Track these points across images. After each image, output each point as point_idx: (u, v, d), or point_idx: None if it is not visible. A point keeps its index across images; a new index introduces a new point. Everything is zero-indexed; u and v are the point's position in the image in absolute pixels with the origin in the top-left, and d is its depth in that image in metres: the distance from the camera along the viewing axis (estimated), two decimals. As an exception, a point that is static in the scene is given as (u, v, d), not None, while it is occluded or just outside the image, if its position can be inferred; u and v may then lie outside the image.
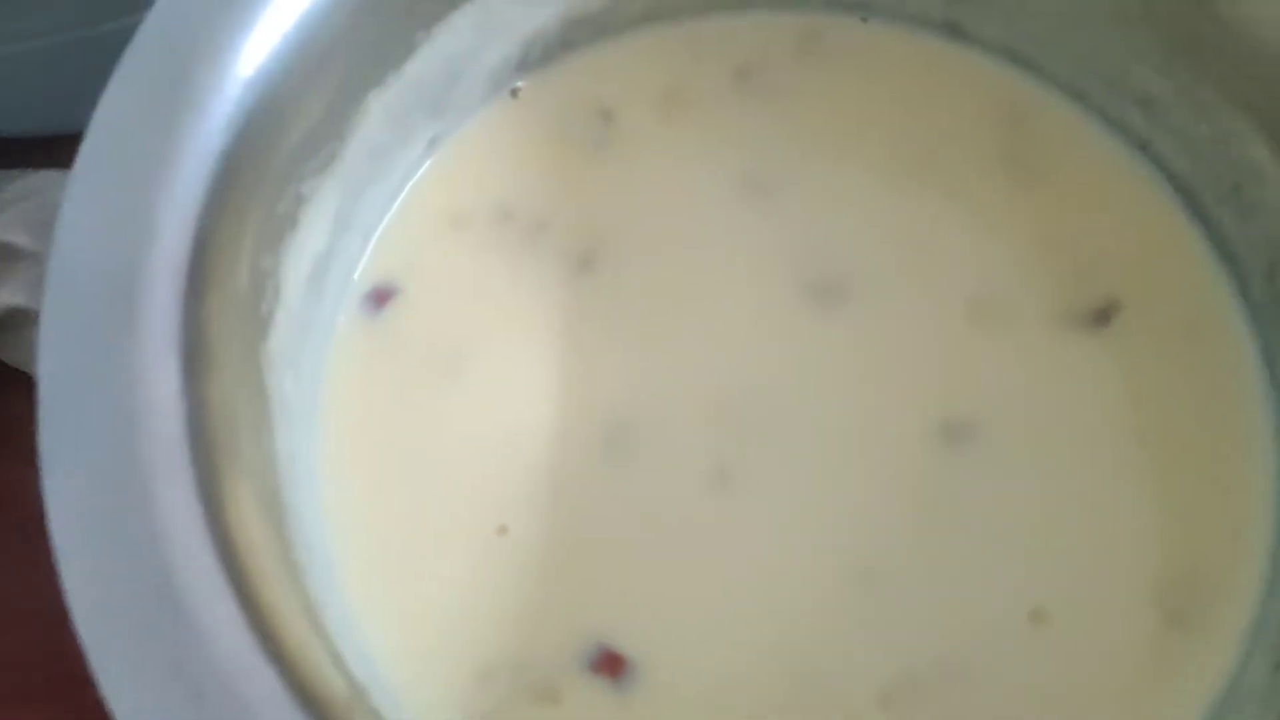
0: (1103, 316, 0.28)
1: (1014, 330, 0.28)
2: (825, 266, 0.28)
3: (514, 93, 0.29)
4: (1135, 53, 0.28)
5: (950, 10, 0.30)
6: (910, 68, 0.30)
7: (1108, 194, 0.29)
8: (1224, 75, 0.27)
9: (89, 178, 0.20)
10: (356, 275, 0.28)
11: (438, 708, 0.25)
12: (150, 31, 0.21)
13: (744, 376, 0.27)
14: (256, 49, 0.21)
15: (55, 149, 0.24)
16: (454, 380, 0.27)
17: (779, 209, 0.29)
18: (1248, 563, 0.26)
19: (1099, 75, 0.29)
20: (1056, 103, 0.30)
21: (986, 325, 0.28)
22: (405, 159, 0.28)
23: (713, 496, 0.26)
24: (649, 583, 0.26)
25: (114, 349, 0.19)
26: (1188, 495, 0.27)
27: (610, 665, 0.25)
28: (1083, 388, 0.28)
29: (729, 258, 0.28)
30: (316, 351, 0.26)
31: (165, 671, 0.17)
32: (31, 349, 0.31)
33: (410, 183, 0.28)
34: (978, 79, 0.30)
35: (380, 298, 0.28)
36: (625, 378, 0.27)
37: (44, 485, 0.18)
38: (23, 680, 0.29)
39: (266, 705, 0.17)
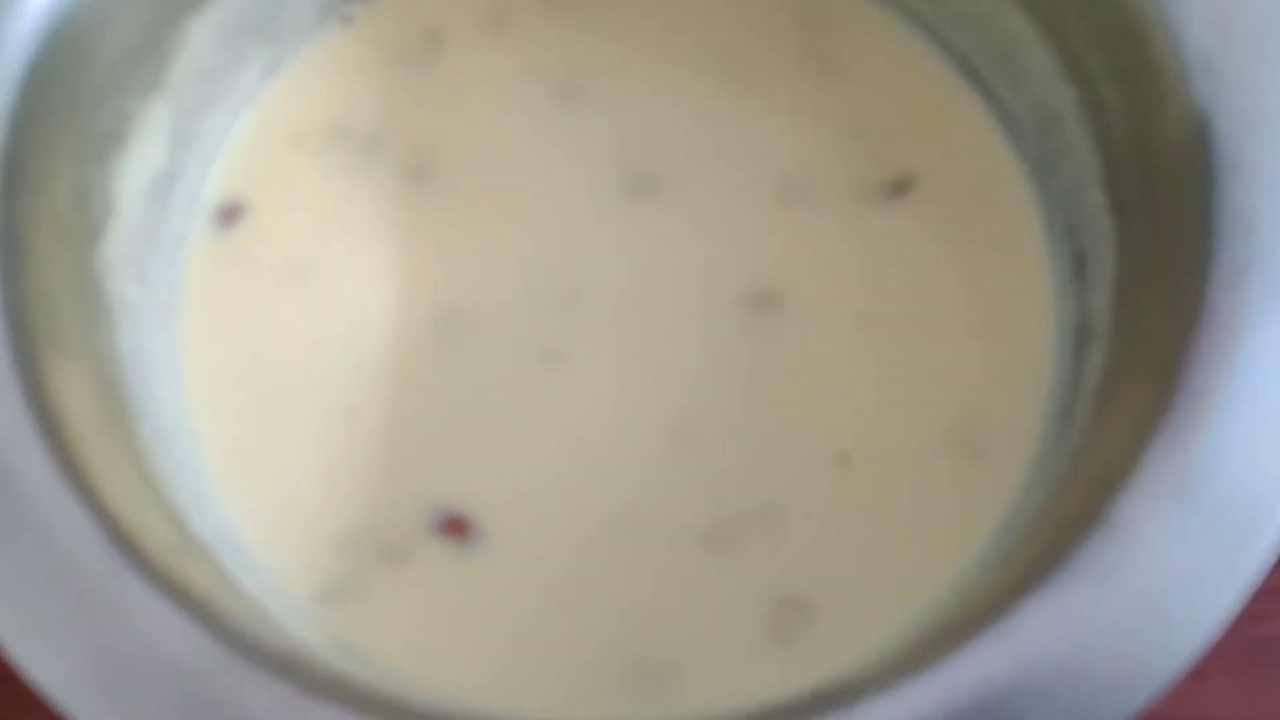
0: (900, 188, 0.30)
1: (818, 207, 0.29)
2: (640, 162, 0.30)
3: (346, 19, 0.31)
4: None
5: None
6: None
7: (901, 76, 0.30)
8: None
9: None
10: (204, 193, 0.29)
11: (298, 573, 0.26)
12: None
13: (567, 265, 0.29)
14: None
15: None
16: (303, 286, 0.29)
17: (595, 112, 0.30)
18: (1030, 404, 0.28)
19: (885, -34, 0.30)
20: (851, -3, 0.31)
21: (792, 204, 0.29)
22: (241, 81, 0.29)
23: (542, 372, 0.28)
24: (487, 452, 0.28)
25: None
26: (979, 345, 0.28)
27: (455, 527, 0.27)
28: (883, 255, 0.29)
29: (551, 160, 0.30)
30: (167, 262, 0.28)
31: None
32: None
33: (250, 105, 0.30)
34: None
35: (229, 214, 0.29)
36: (457, 272, 0.29)
37: None
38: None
39: (78, 542, 0.19)
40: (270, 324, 0.29)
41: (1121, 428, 0.22)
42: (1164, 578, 0.20)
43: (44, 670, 0.18)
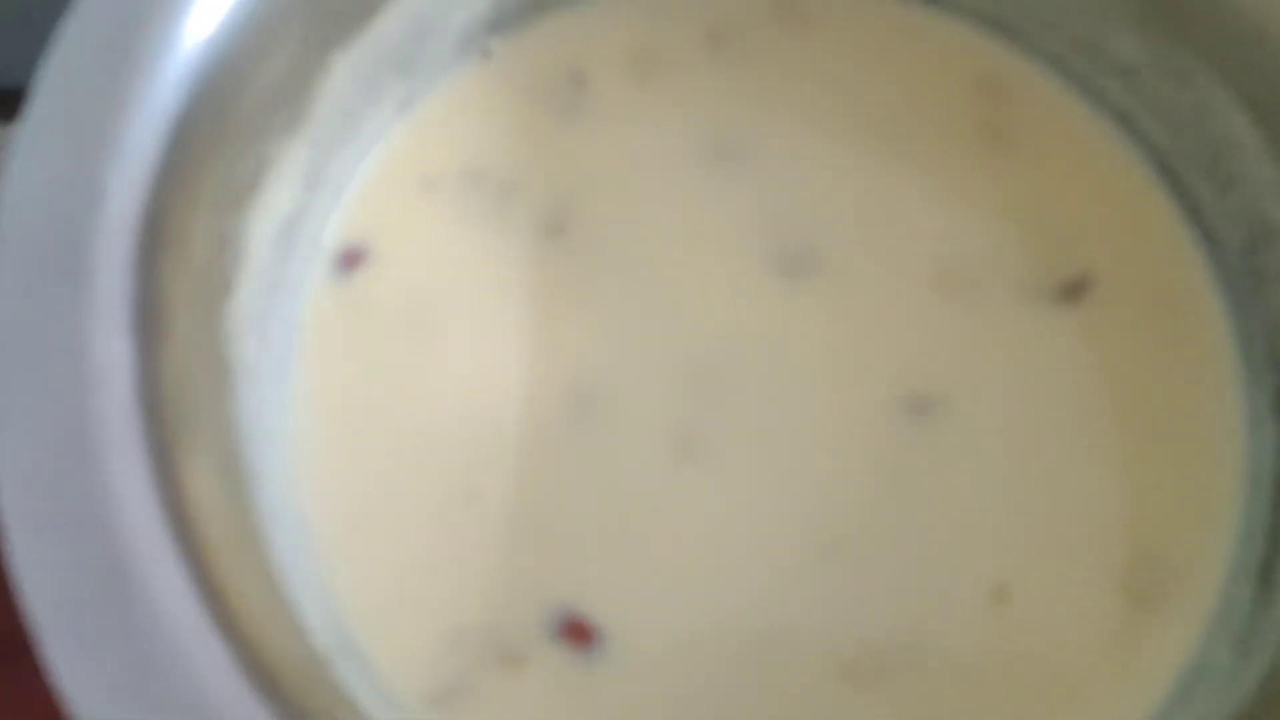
0: (1074, 290, 0.28)
1: (983, 302, 0.27)
2: (794, 235, 0.28)
3: (485, 53, 0.29)
4: (1115, 20, 0.27)
5: (929, -26, 0.29)
6: (885, 33, 0.29)
7: (1084, 165, 0.29)
8: (1203, 44, 0.26)
9: (36, 139, 0.19)
10: (326, 236, 0.27)
11: (405, 668, 0.25)
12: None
13: (710, 344, 0.27)
14: (210, 6, 0.21)
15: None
16: (424, 343, 0.27)
17: (748, 176, 0.28)
18: (1214, 545, 0.26)
19: (1077, 43, 0.28)
20: (1033, 71, 0.29)
21: (955, 297, 0.28)
22: (375, 119, 0.27)
23: (678, 464, 0.26)
24: (615, 549, 0.26)
25: (63, 312, 0.18)
26: (1156, 475, 0.26)
27: (576, 633, 0.25)
28: (1052, 363, 0.27)
29: (697, 224, 0.28)
30: (285, 313, 0.26)
31: (110, 640, 0.17)
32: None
33: (380, 143, 0.28)
34: (953, 45, 0.29)
35: (350, 259, 0.27)
36: (592, 343, 0.27)
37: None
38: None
39: (214, 674, 0.17)
40: (387, 383, 0.27)
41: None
42: None
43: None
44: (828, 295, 0.27)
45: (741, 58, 0.29)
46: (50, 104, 0.19)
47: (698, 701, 0.25)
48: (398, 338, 0.27)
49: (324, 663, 0.21)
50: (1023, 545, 0.26)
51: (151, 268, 0.20)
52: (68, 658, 0.17)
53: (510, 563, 0.25)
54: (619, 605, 0.25)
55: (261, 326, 0.24)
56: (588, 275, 0.28)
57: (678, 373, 0.27)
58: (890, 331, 0.27)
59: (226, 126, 0.21)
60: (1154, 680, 0.25)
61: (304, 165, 0.25)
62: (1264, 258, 0.26)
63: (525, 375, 0.27)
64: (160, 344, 0.19)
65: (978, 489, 0.26)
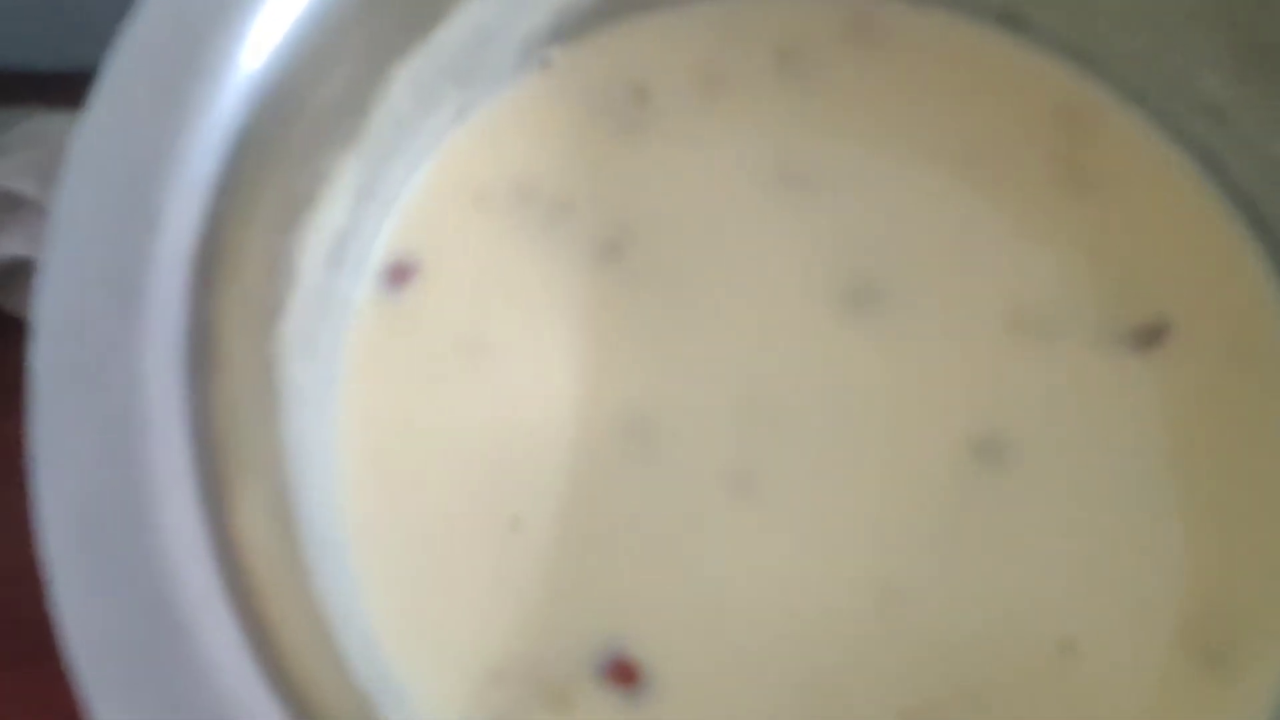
0: (1151, 336, 0.27)
1: (1056, 346, 0.27)
2: (861, 267, 0.27)
3: (545, 63, 0.28)
4: (1207, 57, 0.27)
5: (1010, -1, 0.28)
6: (963, 58, 0.29)
7: (1165, 206, 0.28)
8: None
9: (91, 160, 0.18)
10: (376, 249, 0.26)
11: (447, 705, 0.24)
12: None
13: (771, 378, 0.26)
14: (273, 19, 0.20)
15: (59, 86, 0.22)
16: (472, 364, 0.26)
17: (816, 203, 0.27)
18: (1285, 609, 0.25)
19: (1165, 78, 0.27)
20: (1116, 105, 0.28)
21: (1027, 339, 0.27)
22: (430, 129, 0.26)
23: (733, 500, 0.25)
24: (665, 586, 0.25)
25: (114, 346, 0.18)
26: (1228, 529, 0.26)
27: (623, 674, 0.25)
28: (1125, 411, 0.26)
29: (761, 252, 0.27)
30: (333, 332, 0.25)
31: (161, 700, 0.16)
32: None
33: (434, 154, 0.27)
34: (1033, 74, 0.29)
35: (400, 275, 0.26)
36: (647, 371, 0.26)
37: (35, 488, 0.17)
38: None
39: (261, 726, 0.16)
40: (433, 404, 0.26)
41: None
42: None
43: None
44: (895, 331, 0.27)
45: (812, 80, 0.28)
46: (105, 123, 0.19)
47: (746, 751, 0.24)
48: (445, 357, 0.26)
49: (367, 702, 0.20)
50: (1090, 598, 0.25)
51: (206, 295, 0.19)
52: (109, 708, 0.16)
53: (555, 597, 0.25)
54: (666, 645, 0.25)
55: (310, 346, 0.24)
56: (644, 301, 0.27)
57: (736, 405, 0.26)
58: (958, 372, 0.27)
59: (286, 142, 0.21)
60: (1226, 749, 0.24)
61: (357, 179, 0.24)
62: (1353, 312, 0.25)
63: (576, 401, 0.26)
64: (213, 375, 0.19)
65: (1045, 539, 0.25)
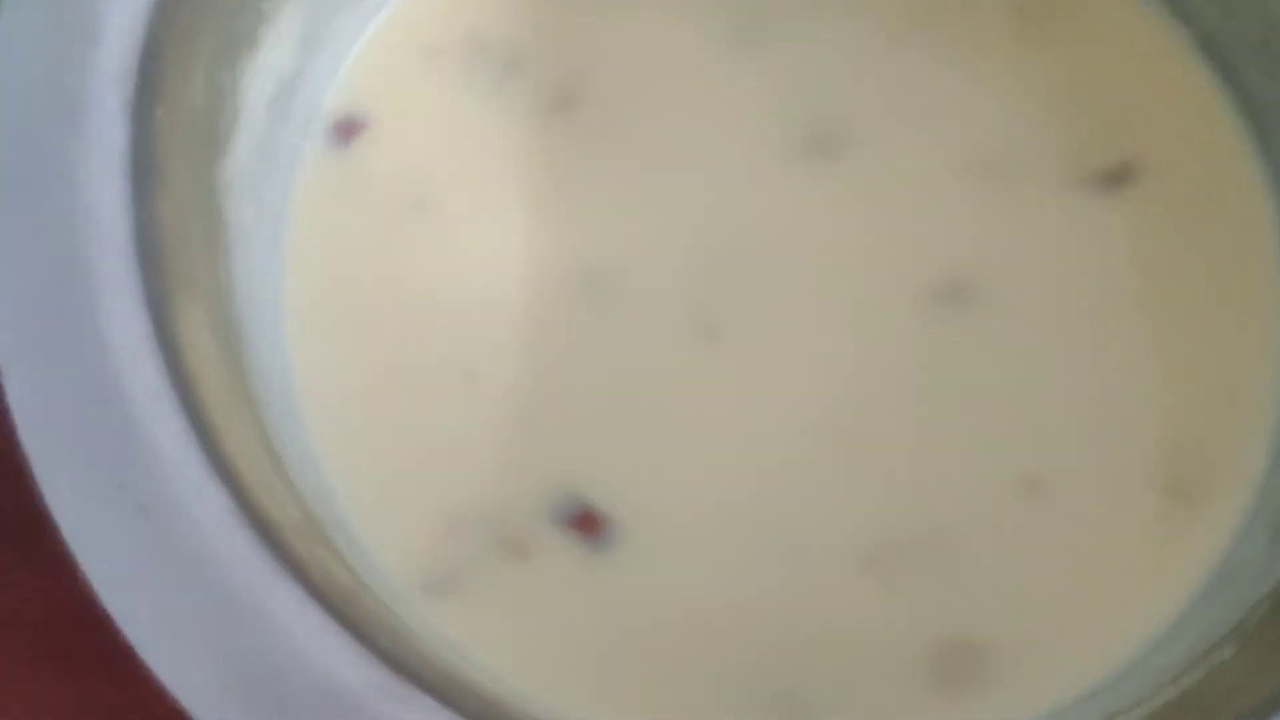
0: (1117, 178, 0.28)
1: (1021, 190, 0.28)
2: (821, 118, 0.28)
3: (495, -85, 0.29)
4: (1163, -109, 0.28)
5: None
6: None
7: (1128, 48, 0.29)
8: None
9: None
10: (324, 103, 0.27)
11: (402, 555, 0.25)
12: None
13: (731, 228, 0.27)
14: None
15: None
16: (424, 220, 0.27)
17: (774, 55, 0.28)
18: (1253, 436, 0.26)
19: (1125, -83, 0.29)
20: (1077, -52, 0.29)
21: (991, 184, 0.28)
22: (377, -20, 0.27)
23: (695, 349, 0.27)
24: (626, 436, 0.26)
25: (57, 155, 0.19)
26: (1195, 366, 0.27)
27: (585, 523, 0.26)
28: (1092, 251, 0.28)
29: (718, 105, 0.28)
30: (281, 182, 0.26)
31: (110, 485, 0.17)
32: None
33: (383, 9, 0.28)
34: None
35: (348, 130, 0.28)
36: (605, 223, 0.27)
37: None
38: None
39: (213, 522, 0.18)
40: (385, 259, 0.27)
41: None
42: None
43: (180, 676, 0.17)
44: (855, 179, 0.28)
45: (767, -68, 0.29)
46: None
47: (711, 595, 0.25)
48: (395, 211, 0.27)
49: (318, 522, 0.22)
50: (1056, 436, 0.26)
51: (148, 115, 0.20)
52: (68, 504, 0.18)
53: (515, 449, 0.26)
54: (631, 495, 0.26)
55: (256, 192, 0.25)
56: (599, 154, 0.28)
57: (695, 255, 0.27)
58: (921, 218, 0.28)
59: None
60: (1189, 573, 0.25)
61: (302, 25, 0.25)
62: (1315, 144, 0.26)
63: (530, 255, 0.27)
64: (156, 192, 0.20)
65: (1010, 379, 0.27)
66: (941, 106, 0.28)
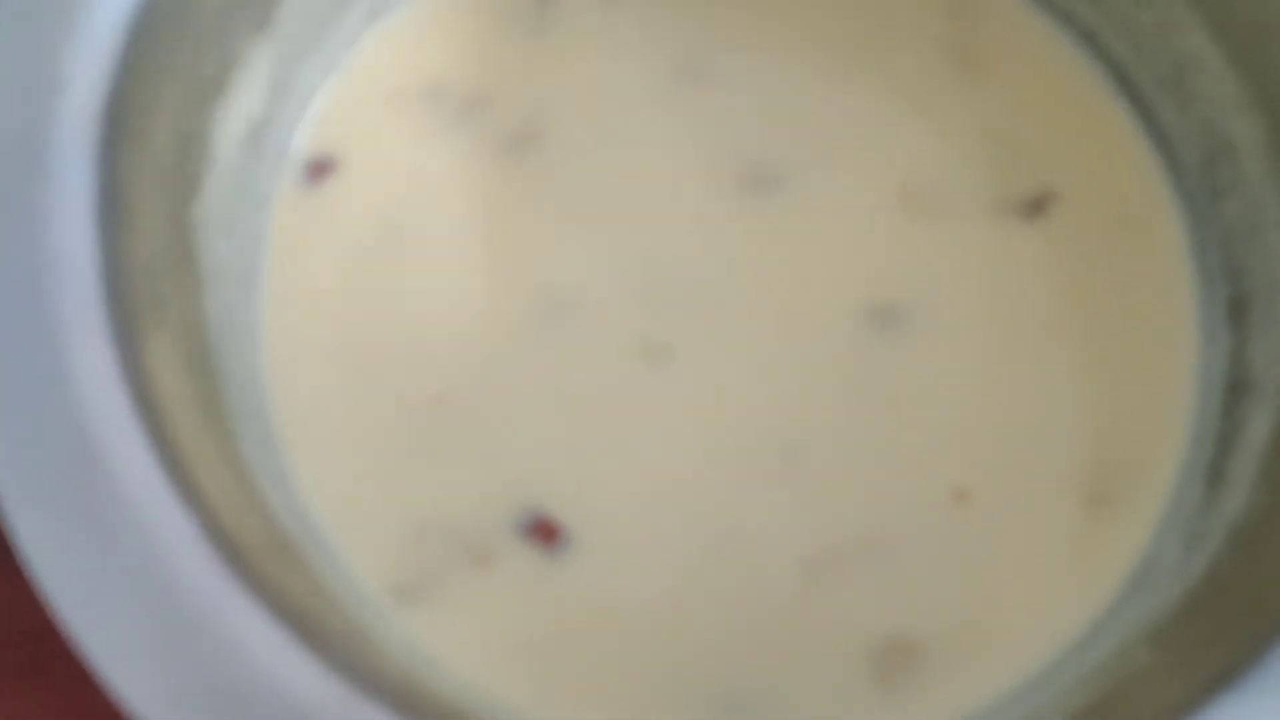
0: (1037, 206, 0.28)
1: (947, 218, 0.28)
2: (759, 154, 0.28)
3: (454, -33, 0.29)
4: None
5: (894, -107, 0.29)
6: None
7: (1049, 84, 0.29)
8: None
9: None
10: (294, 144, 0.27)
11: (372, 562, 0.25)
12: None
13: (675, 258, 0.27)
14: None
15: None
16: (392, 253, 0.27)
17: (715, 96, 0.28)
18: (1168, 448, 0.26)
19: (1043, -37, 0.29)
20: (1000, -11, 0.29)
21: (919, 213, 0.28)
22: (343, 27, 0.27)
23: (644, 370, 0.27)
24: (581, 451, 0.26)
25: (23, 200, 0.19)
26: (1114, 383, 0.27)
27: (543, 531, 0.26)
28: (1014, 276, 0.28)
29: (663, 143, 0.28)
30: (253, 218, 0.26)
31: (76, 514, 0.17)
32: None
33: (348, 53, 0.28)
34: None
35: (319, 169, 0.27)
36: (559, 254, 0.27)
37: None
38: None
39: (180, 547, 0.17)
40: (356, 290, 0.27)
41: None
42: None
43: (141, 694, 0.16)
44: (792, 210, 0.28)
45: (708, -23, 0.29)
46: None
47: (662, 599, 0.25)
48: (366, 247, 0.27)
49: (291, 545, 0.21)
50: (984, 450, 0.26)
51: (115, 160, 0.20)
52: (33, 533, 0.17)
53: (477, 463, 0.26)
54: (584, 506, 0.26)
55: (229, 228, 0.25)
56: (554, 190, 0.28)
57: (644, 282, 0.27)
58: (854, 245, 0.28)
59: (190, 21, 0.22)
60: (1108, 576, 0.25)
61: (271, 70, 0.25)
62: (1221, 172, 0.26)
63: (491, 283, 0.27)
64: (125, 235, 0.20)
65: (940, 396, 0.27)
66: (873, 141, 0.28)
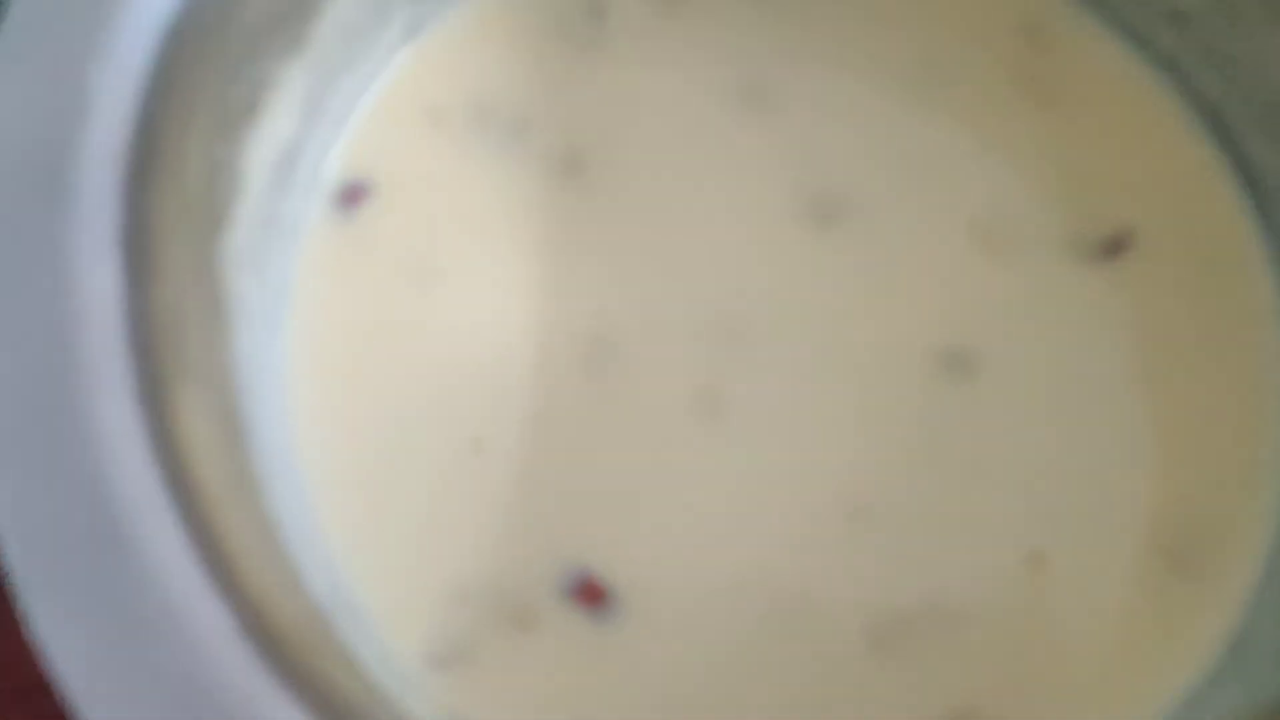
0: (1115, 247, 0.26)
1: (1020, 258, 0.26)
2: (824, 183, 0.26)
3: (499, -21, 0.27)
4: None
5: (970, -90, 0.27)
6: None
7: (1128, 115, 0.27)
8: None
9: (16, 47, 0.17)
10: (327, 170, 0.25)
11: (407, 627, 0.23)
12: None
13: (735, 295, 0.26)
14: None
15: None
16: (430, 286, 0.25)
17: (777, 120, 0.27)
18: (1257, 509, 0.25)
19: (1128, -14, 0.27)
20: (1077, 14, 0.28)
21: (991, 251, 0.26)
22: (380, 45, 0.25)
23: (699, 419, 0.25)
24: (630, 506, 0.24)
25: (44, 240, 0.17)
26: (1197, 438, 0.25)
27: (589, 594, 0.24)
28: (1090, 321, 0.26)
29: (723, 168, 0.26)
30: (283, 251, 0.24)
31: (100, 602, 0.15)
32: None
33: (386, 72, 0.26)
34: (996, -13, 0.28)
35: (353, 196, 0.25)
36: (609, 290, 0.25)
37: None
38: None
39: (212, 637, 0.16)
40: (391, 326, 0.25)
41: None
42: None
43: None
44: (859, 247, 0.26)
45: (771, -5, 0.27)
46: (31, 15, 0.17)
47: (715, 669, 0.24)
48: (401, 279, 0.25)
49: (324, 619, 0.20)
50: (1059, 509, 0.25)
51: (141, 193, 0.18)
52: (54, 624, 0.15)
53: (519, 519, 0.24)
54: (633, 566, 0.24)
55: (258, 264, 0.23)
56: (605, 219, 0.26)
57: (700, 324, 0.25)
58: (924, 286, 0.26)
59: (223, 42, 0.20)
60: (1196, 650, 0.24)
61: (304, 91, 0.23)
62: (1318, 216, 0.25)
63: (536, 322, 0.25)
64: (151, 275, 0.18)
65: (1013, 451, 0.25)
66: (943, 171, 0.27)
